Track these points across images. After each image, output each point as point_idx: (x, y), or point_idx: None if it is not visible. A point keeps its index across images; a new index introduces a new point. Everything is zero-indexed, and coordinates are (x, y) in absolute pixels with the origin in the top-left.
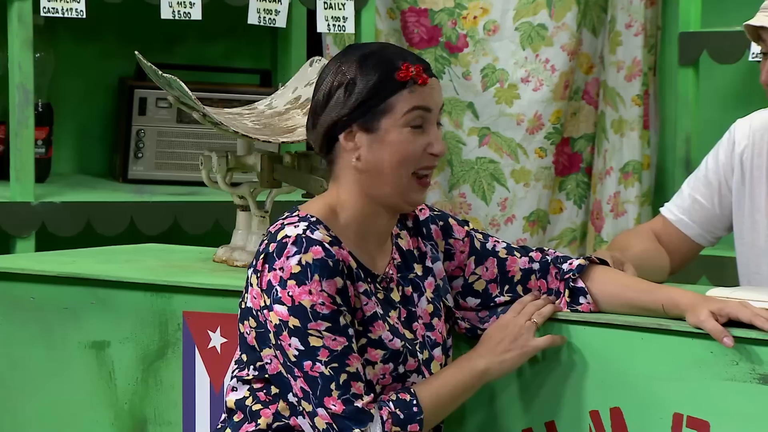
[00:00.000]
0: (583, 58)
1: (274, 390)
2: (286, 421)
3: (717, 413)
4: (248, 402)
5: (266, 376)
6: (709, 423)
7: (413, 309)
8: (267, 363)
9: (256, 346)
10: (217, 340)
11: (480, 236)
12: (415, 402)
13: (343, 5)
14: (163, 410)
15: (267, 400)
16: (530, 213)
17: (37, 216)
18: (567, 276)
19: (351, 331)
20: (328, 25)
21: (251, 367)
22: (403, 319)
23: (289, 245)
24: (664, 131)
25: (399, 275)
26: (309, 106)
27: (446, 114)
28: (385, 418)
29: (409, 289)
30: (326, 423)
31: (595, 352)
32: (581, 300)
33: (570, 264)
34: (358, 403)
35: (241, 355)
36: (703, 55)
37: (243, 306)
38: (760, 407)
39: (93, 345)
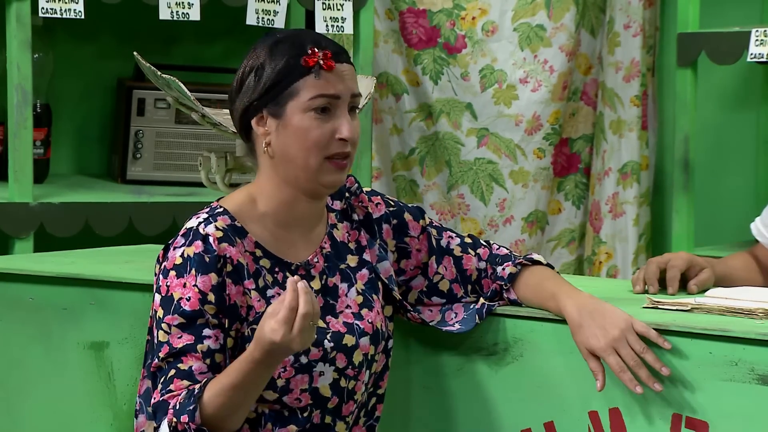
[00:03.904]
0: (581, 58)
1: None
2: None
3: (716, 414)
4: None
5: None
6: (708, 423)
7: (333, 301)
8: None
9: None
10: None
11: (435, 232)
12: (195, 393)
13: (342, 6)
14: None
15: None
16: (529, 214)
17: (36, 217)
18: (500, 284)
19: (207, 332)
20: (327, 25)
21: (148, 357)
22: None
23: (179, 237)
24: (662, 132)
25: (326, 264)
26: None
27: (444, 115)
28: (170, 406)
29: (333, 279)
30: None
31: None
32: (518, 305)
33: (503, 270)
34: (165, 397)
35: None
36: (701, 56)
37: None
38: (760, 408)
39: (92, 345)
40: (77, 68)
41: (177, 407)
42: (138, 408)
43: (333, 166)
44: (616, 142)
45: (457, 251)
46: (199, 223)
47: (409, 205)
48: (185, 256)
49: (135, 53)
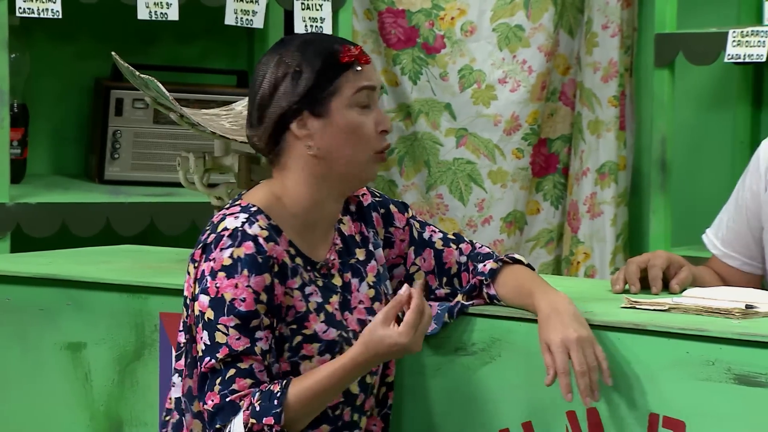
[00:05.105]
0: (559, 59)
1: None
2: None
3: (693, 413)
4: (183, 405)
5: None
6: (685, 423)
7: (349, 296)
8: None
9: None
10: None
11: (417, 225)
12: (278, 395)
13: (321, 6)
14: (140, 411)
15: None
16: (507, 214)
17: (12, 217)
18: (480, 279)
19: (260, 333)
20: (306, 25)
21: (189, 356)
22: (338, 305)
23: (225, 237)
24: (640, 132)
25: (340, 261)
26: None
27: (423, 115)
28: (245, 407)
29: (348, 275)
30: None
31: None
32: (495, 302)
33: (484, 266)
34: (231, 397)
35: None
36: (678, 57)
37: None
38: (736, 407)
39: (69, 346)
40: (54, 68)
41: (257, 408)
42: (184, 407)
43: (379, 160)
44: (594, 143)
45: (439, 244)
46: (243, 223)
47: (394, 199)
48: (235, 257)
49: (113, 53)
